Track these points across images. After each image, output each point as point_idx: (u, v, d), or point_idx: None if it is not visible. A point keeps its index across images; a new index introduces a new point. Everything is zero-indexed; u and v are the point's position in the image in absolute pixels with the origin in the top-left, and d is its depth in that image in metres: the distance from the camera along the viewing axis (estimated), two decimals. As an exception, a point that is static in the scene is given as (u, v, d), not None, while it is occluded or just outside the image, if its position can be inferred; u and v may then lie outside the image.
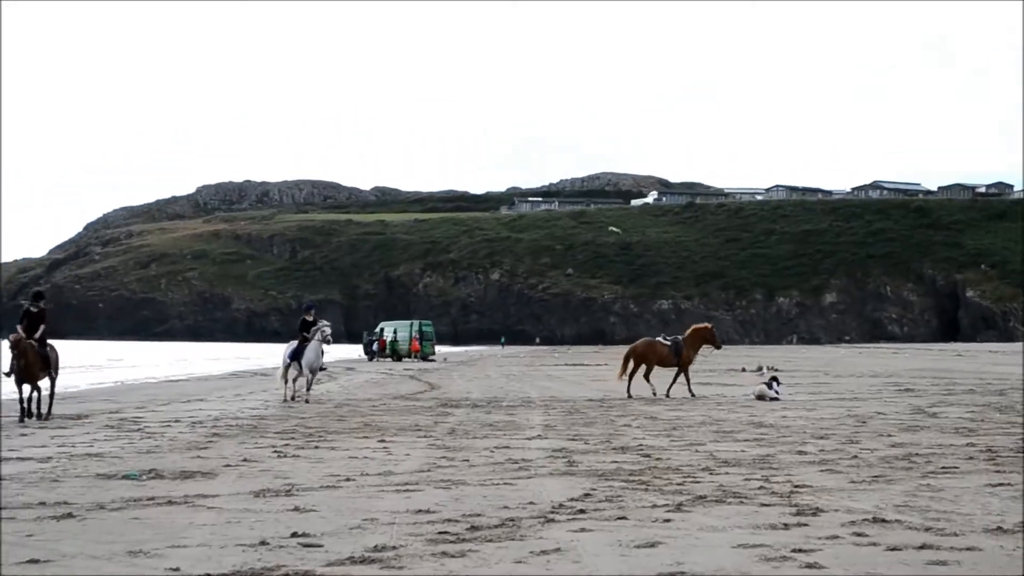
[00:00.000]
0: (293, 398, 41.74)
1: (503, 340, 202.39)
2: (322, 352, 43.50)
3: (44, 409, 31.66)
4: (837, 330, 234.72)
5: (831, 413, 35.80)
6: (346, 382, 55.58)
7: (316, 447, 25.16)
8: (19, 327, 31.10)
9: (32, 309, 31.69)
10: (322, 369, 44.17)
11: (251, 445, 25.69)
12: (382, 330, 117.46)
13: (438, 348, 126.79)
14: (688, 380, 46.55)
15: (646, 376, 46.60)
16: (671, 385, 46.38)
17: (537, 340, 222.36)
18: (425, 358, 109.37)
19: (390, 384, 59.62)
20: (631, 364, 46.83)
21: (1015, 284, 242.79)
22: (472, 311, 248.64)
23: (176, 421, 31.75)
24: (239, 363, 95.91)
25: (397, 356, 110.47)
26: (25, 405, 31.10)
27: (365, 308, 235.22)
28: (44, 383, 32.56)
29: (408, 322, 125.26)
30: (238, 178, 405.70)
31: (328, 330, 43.63)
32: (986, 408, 38.00)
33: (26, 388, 30.89)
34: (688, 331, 48.55)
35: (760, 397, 43.08)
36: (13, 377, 30.86)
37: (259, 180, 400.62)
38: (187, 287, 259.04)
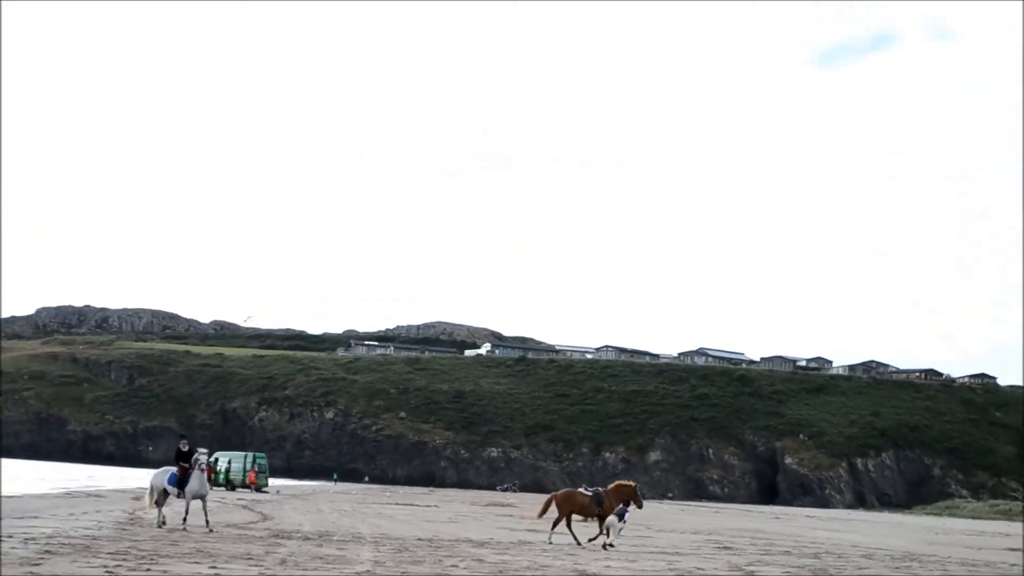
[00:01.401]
0: (181, 526, 40.93)
1: (336, 476, 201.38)
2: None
3: None
4: (661, 487, 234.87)
5: (652, 566, 36.01)
6: (180, 507, 54.87)
7: (148, 570, 24.89)
8: None
9: None
10: (202, 496, 43.61)
11: (83, 564, 25.36)
12: (216, 460, 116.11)
13: (272, 481, 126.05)
14: (602, 526, 46.48)
15: (568, 524, 47.01)
16: (599, 535, 46.49)
17: (366, 479, 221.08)
18: (259, 489, 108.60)
19: (223, 512, 59.16)
20: (553, 510, 47.42)
21: (832, 454, 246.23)
22: (306, 447, 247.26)
23: (9, 537, 31.18)
24: (74, 483, 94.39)
25: (231, 485, 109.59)
26: None
27: (201, 438, 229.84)
28: None
29: (243, 453, 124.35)
30: (78, 302, 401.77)
31: (204, 458, 44.42)
32: (800, 569, 38.38)
33: None
34: (612, 485, 48.84)
35: (611, 525, 45.02)
36: None
37: (99, 306, 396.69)
38: (24, 406, 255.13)
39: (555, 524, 47.12)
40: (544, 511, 48.05)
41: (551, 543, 45.33)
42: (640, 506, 49.14)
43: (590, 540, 46.08)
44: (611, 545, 45.27)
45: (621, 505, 46.38)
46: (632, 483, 49.59)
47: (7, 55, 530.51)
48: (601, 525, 46.89)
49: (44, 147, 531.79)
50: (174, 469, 42.91)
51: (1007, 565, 50.39)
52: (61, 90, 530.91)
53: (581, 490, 48.97)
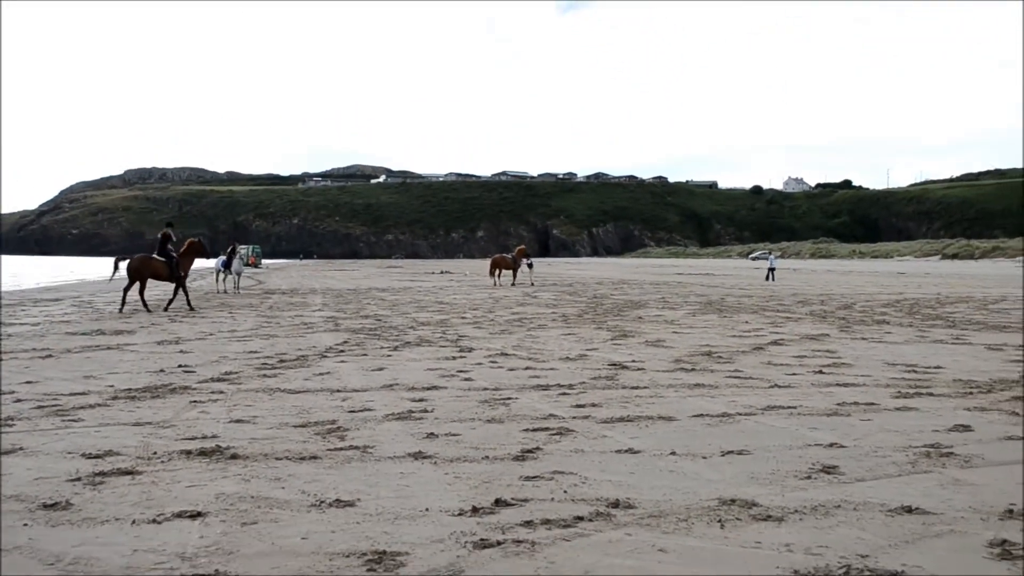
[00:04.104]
0: (225, 291, 40.26)
1: (301, 256, 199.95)
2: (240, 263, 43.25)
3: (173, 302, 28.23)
4: (484, 252, 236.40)
5: (479, 296, 36.12)
6: (211, 280, 54.09)
7: (194, 317, 24.51)
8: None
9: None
10: (239, 273, 43.18)
11: (156, 316, 24.90)
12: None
13: (263, 261, 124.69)
14: (515, 276, 48.14)
15: (499, 275, 47.88)
16: (514, 279, 48.17)
17: (314, 256, 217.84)
18: (257, 267, 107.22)
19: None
20: (495, 269, 48.01)
21: (579, 226, 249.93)
22: (283, 240, 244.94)
23: (114, 301, 30.55)
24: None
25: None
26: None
27: (222, 239, 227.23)
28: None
29: (248, 246, 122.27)
30: (148, 164, 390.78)
31: (243, 250, 45.47)
32: (562, 294, 38.72)
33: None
34: (516, 250, 50.05)
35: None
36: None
37: (161, 166, 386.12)
38: (118, 227, 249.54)
39: (496, 274, 47.80)
40: (491, 271, 48.46)
41: (499, 285, 46.22)
42: (530, 262, 50.68)
43: (500, 284, 47.02)
44: (532, 284, 48.61)
45: (525, 259, 49.05)
46: (524, 247, 51.20)
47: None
48: (514, 274, 48.18)
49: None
50: (224, 258, 42.43)
51: (675, 283, 51.32)
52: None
53: (504, 255, 50.04)
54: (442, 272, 77.77)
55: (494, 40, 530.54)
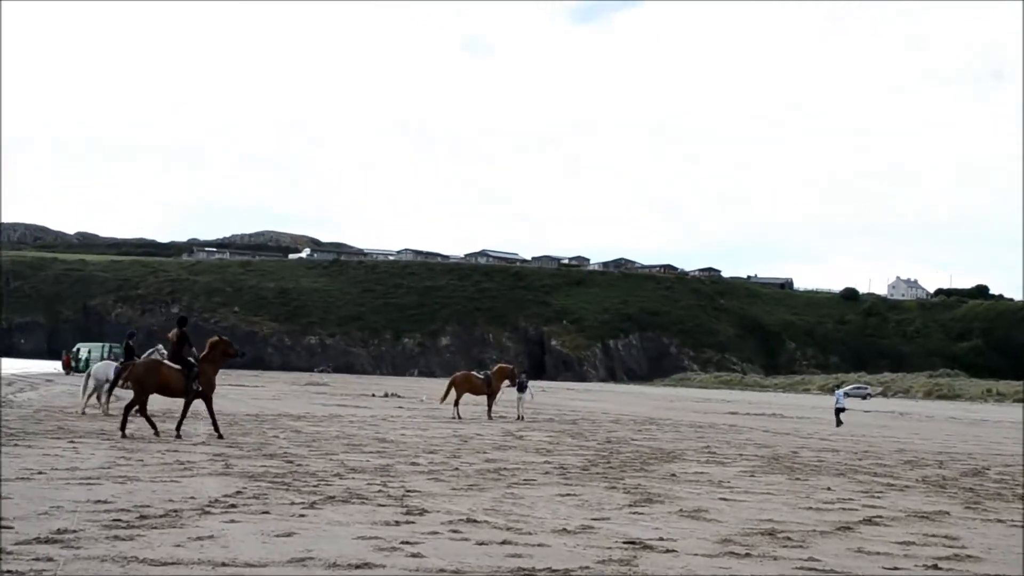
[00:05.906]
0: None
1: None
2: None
3: None
4: (450, 366, 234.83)
5: (440, 433, 36.00)
6: (45, 391, 53.56)
7: (15, 445, 24.34)
8: None
9: None
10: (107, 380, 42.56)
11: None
12: (78, 350, 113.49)
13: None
14: (491, 406, 48.62)
15: (456, 402, 47.89)
16: (489, 410, 48.39)
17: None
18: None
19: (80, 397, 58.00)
20: (453, 391, 48.39)
21: (588, 337, 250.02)
22: (156, 338, 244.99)
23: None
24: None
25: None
26: None
27: (66, 331, 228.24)
28: None
29: (101, 344, 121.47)
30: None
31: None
32: (561, 434, 38.61)
33: None
34: (495, 368, 51.17)
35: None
36: None
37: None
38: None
39: (456, 401, 47.89)
40: (447, 394, 48.88)
41: (459, 418, 45.93)
42: (514, 382, 50.84)
43: (460, 416, 46.75)
44: (521, 417, 48.21)
45: (509, 381, 49.98)
46: (510, 365, 52.87)
47: None
48: (490, 402, 48.71)
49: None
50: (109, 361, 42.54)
51: (726, 426, 51.32)
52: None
53: (475, 373, 51.01)
54: (387, 395, 77.63)
55: (472, 55, 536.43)
